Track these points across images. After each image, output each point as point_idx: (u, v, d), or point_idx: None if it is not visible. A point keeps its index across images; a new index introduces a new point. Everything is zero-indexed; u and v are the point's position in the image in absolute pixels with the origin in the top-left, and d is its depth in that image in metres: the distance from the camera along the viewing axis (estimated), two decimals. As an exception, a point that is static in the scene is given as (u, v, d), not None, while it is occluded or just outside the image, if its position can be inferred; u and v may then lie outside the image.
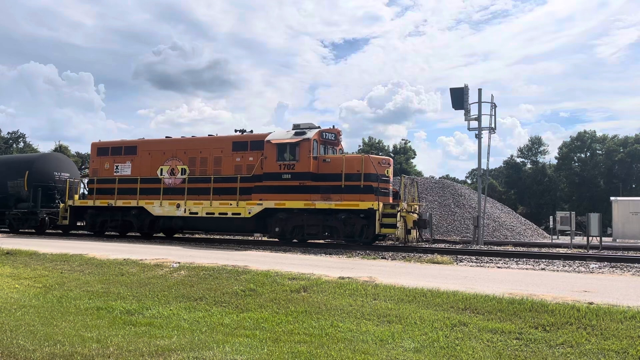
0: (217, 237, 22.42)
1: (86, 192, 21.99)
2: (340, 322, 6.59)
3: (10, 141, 69.45)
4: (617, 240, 27.40)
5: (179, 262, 11.03)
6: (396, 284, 8.17)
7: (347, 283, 8.39)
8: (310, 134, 16.88)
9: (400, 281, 8.52)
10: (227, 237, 22.43)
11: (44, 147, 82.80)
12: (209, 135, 20.19)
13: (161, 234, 21.46)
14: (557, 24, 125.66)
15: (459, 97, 21.08)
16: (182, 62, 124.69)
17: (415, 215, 16.89)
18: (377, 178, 16.19)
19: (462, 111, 21.14)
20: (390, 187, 17.16)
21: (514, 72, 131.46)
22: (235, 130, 19.40)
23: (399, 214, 15.80)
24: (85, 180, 22.61)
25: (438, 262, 12.32)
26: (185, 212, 18.68)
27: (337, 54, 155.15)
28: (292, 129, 17.60)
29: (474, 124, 21.31)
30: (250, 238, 22.38)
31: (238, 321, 6.87)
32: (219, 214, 18.03)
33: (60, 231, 23.33)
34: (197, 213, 18.47)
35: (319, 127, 17.51)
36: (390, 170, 17.19)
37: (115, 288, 9.08)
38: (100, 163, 21.21)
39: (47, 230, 22.93)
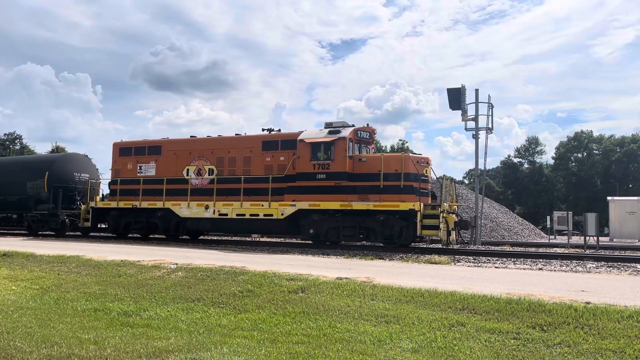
0: (215, 237, 22.37)
1: (106, 193, 21.64)
2: (338, 322, 6.59)
3: (7, 142, 69.24)
4: (614, 240, 27.48)
5: (176, 264, 11.01)
6: (394, 285, 8.17)
7: (345, 283, 8.39)
8: (346, 133, 16.44)
9: (398, 281, 8.52)
10: (225, 237, 22.39)
11: (41, 148, 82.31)
12: (236, 134, 19.79)
13: (186, 237, 20.98)
14: (554, 24, 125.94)
15: (456, 98, 21.13)
16: (180, 63, 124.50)
17: (455, 216, 16.49)
18: (417, 178, 15.76)
19: (460, 111, 21.20)
20: (429, 187, 16.84)
21: (512, 72, 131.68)
22: (263, 129, 19.03)
23: (441, 214, 15.36)
24: (106, 181, 22.20)
25: (436, 263, 12.33)
26: (214, 213, 18.16)
27: (334, 55, 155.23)
28: (325, 128, 17.18)
29: (471, 124, 21.39)
30: (247, 239, 22.36)
31: (236, 322, 6.87)
32: (250, 215, 17.54)
33: (79, 233, 22.90)
34: (226, 214, 17.95)
35: (352, 125, 17.07)
36: (429, 169, 16.72)
37: (112, 289, 9.06)
38: (122, 163, 20.67)
39: (67, 233, 22.47)
